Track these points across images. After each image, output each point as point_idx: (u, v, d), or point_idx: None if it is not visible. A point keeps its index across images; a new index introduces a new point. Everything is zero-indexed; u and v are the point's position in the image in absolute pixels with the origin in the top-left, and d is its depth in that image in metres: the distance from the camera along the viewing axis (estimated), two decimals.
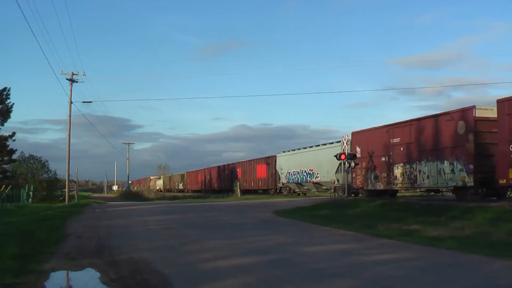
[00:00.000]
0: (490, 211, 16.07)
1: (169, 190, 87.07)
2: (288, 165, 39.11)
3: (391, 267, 8.41)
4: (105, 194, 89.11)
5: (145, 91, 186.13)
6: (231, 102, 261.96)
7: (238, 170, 52.65)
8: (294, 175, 38.23)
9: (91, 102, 41.06)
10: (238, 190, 47.99)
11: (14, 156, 40.01)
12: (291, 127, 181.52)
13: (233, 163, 56.75)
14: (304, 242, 11.90)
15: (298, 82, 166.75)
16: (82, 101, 41.81)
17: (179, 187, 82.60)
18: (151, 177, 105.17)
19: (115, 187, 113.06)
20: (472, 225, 14.14)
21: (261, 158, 48.00)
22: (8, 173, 39.20)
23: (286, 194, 40.49)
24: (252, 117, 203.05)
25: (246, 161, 52.49)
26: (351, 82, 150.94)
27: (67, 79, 36.57)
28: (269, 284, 7.28)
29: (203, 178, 68.12)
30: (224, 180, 58.15)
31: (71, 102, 36.71)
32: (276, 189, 43.22)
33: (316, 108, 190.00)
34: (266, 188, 46.37)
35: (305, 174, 36.31)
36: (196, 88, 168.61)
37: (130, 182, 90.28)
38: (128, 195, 66.11)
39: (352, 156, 26.93)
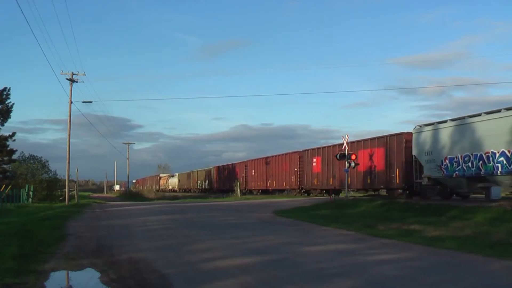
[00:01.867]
0: (490, 211, 16.12)
1: (186, 190, 74.63)
2: (447, 146, 23.42)
3: (391, 267, 8.41)
4: (105, 194, 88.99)
5: (145, 91, 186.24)
6: (231, 102, 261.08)
7: (314, 160, 38.05)
8: (461, 163, 22.44)
9: (91, 102, 41.20)
10: (239, 190, 47.36)
11: (14, 156, 40.03)
12: (292, 127, 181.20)
13: (303, 150, 41.13)
14: (304, 242, 11.90)
15: (298, 82, 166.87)
16: (82, 101, 42.05)
17: (203, 186, 66.17)
18: (161, 175, 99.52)
19: (116, 187, 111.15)
20: (472, 225, 14.16)
21: (373, 139, 30.63)
22: (8, 173, 39.20)
23: (439, 198, 24.17)
24: (252, 117, 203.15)
25: (334, 145, 34.94)
26: (351, 82, 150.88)
27: (67, 79, 36.64)
28: (269, 284, 7.28)
29: (246, 174, 52.01)
30: (282, 175, 44.02)
31: (71, 102, 36.82)
32: (408, 188, 25.75)
33: (316, 108, 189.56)
34: (381, 187, 30.04)
35: (492, 161, 20.70)
36: (196, 88, 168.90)
37: (134, 181, 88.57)
38: (128, 195, 66.14)
39: (349, 156, 26.82)
